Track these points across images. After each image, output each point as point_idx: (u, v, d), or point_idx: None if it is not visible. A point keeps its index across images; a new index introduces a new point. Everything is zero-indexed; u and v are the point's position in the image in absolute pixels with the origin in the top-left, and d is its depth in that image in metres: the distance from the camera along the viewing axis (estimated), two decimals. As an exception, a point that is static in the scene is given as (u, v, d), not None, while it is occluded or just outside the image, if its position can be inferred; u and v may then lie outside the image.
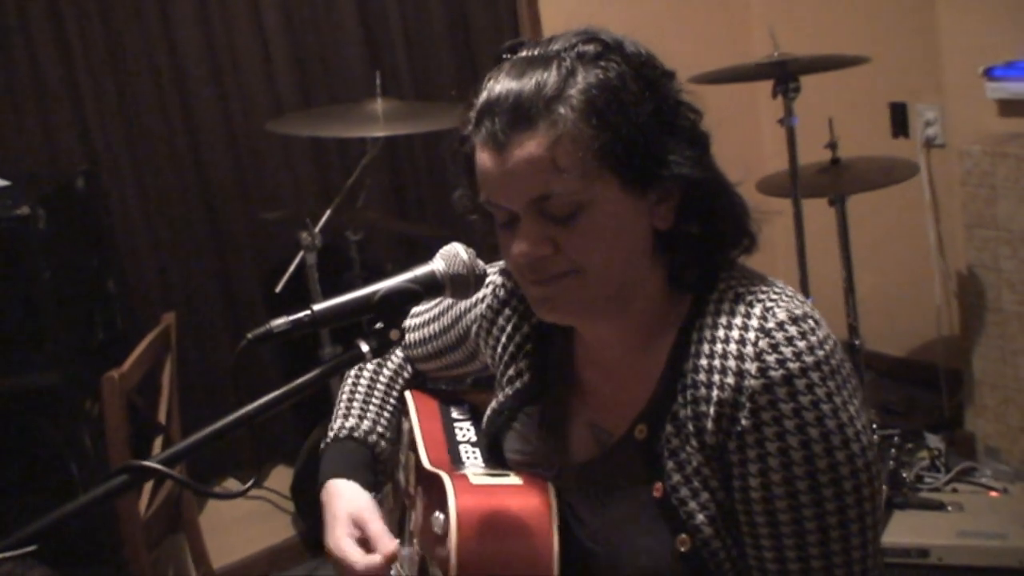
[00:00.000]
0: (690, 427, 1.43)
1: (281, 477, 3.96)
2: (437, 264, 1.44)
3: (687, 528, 1.43)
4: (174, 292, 3.72)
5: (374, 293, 1.38)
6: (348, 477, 1.74)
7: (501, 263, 1.67)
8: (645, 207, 1.43)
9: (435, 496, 1.56)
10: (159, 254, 3.70)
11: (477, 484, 1.54)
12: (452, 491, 1.50)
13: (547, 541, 1.48)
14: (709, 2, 4.52)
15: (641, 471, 1.47)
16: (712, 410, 1.40)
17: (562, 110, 1.37)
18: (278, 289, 3.11)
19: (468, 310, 1.72)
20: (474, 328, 1.71)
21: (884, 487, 1.44)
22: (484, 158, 1.42)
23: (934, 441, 3.63)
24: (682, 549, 1.43)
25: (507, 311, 1.67)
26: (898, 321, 4.44)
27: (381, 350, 1.37)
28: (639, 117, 1.39)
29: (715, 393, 1.40)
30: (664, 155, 1.41)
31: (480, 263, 1.47)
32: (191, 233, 3.74)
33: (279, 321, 1.33)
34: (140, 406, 3.03)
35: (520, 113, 1.37)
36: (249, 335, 1.31)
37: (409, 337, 1.84)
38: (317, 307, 1.36)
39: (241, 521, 3.85)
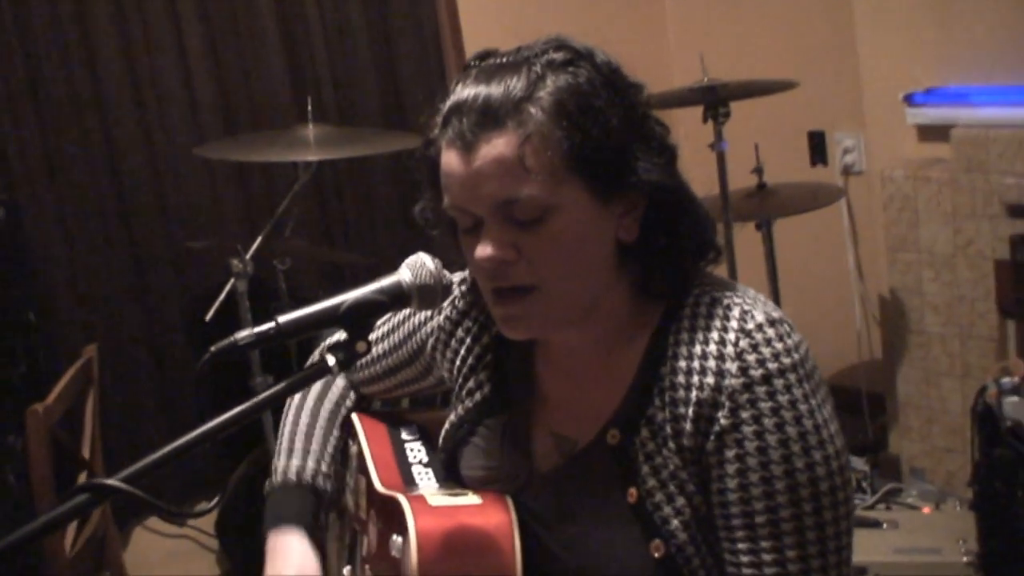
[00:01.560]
0: (668, 430, 1.42)
1: (205, 516, 3.87)
2: (403, 275, 1.41)
3: (661, 534, 1.41)
4: (96, 323, 3.63)
5: (339, 304, 1.35)
6: (293, 527, 1.70)
7: (461, 274, 1.65)
8: (610, 217, 1.42)
9: (391, 519, 1.53)
10: (80, 285, 3.62)
11: (435, 505, 1.51)
12: (410, 513, 1.46)
13: (510, 559, 1.45)
14: (626, 29, 4.55)
15: (613, 477, 1.45)
16: (691, 411, 1.39)
17: (532, 110, 1.36)
18: (208, 317, 3.04)
19: (423, 323, 1.69)
20: (430, 341, 1.68)
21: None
22: (451, 159, 1.40)
23: (859, 464, 3.66)
24: (656, 555, 1.41)
25: (466, 322, 1.64)
26: (820, 345, 4.42)
27: (348, 363, 1.34)
28: (609, 122, 1.38)
29: (694, 394, 1.39)
30: (633, 161, 1.40)
31: (447, 273, 1.45)
32: (113, 263, 3.67)
33: (243, 334, 1.29)
34: (64, 441, 2.94)
35: (489, 113, 1.36)
36: (213, 348, 1.28)
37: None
38: (282, 319, 1.32)
39: (165, 560, 3.77)
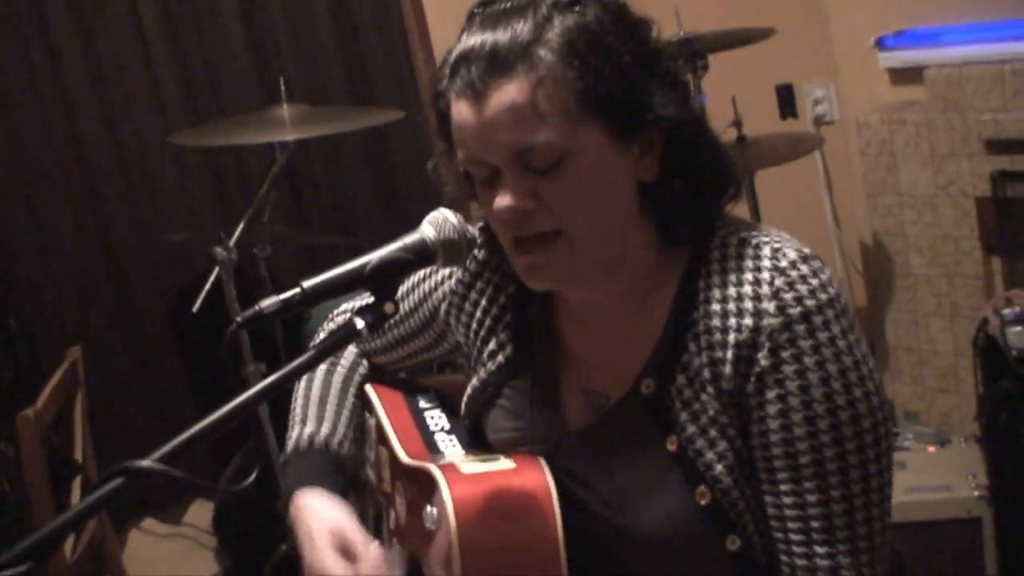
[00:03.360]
0: (705, 374, 1.39)
1: (201, 512, 3.84)
2: (426, 231, 1.37)
3: (706, 480, 1.39)
4: (77, 324, 3.57)
5: (365, 265, 1.31)
6: (317, 490, 1.64)
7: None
8: (629, 158, 1.39)
9: (421, 490, 1.48)
10: (58, 286, 3.55)
11: (468, 472, 1.46)
12: (444, 482, 1.42)
13: (550, 521, 1.41)
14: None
15: (651, 427, 1.43)
16: (730, 354, 1.37)
17: (541, 52, 1.32)
18: (195, 308, 2.99)
19: (434, 288, 1.65)
20: (443, 306, 1.64)
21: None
22: (461, 110, 1.36)
23: (852, 411, 3.65)
24: (702, 502, 1.39)
25: (479, 284, 1.60)
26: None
27: (377, 324, 1.30)
28: (621, 59, 1.35)
29: (732, 336, 1.37)
30: (648, 98, 1.37)
31: (469, 227, 1.41)
32: (89, 262, 3.60)
33: (268, 301, 1.25)
34: (57, 445, 2.88)
35: (497, 59, 1.33)
36: (239, 318, 1.24)
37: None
38: (307, 284, 1.28)
39: (164, 560, 3.73)
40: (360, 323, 1.29)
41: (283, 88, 3.12)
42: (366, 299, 1.33)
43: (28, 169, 3.50)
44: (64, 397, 2.98)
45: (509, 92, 1.32)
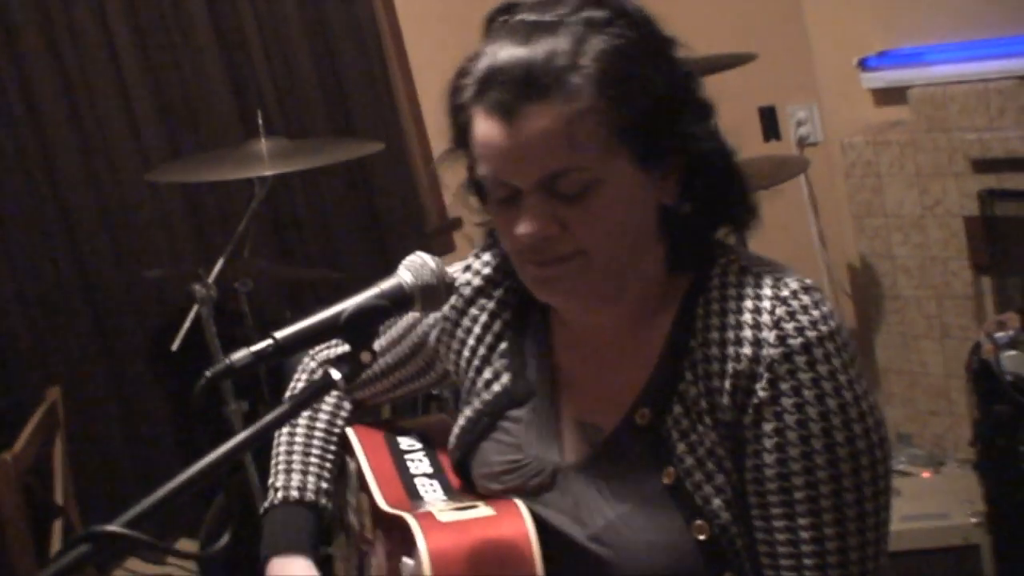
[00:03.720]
0: (703, 404, 1.35)
1: (186, 548, 3.76)
2: (403, 276, 1.33)
3: (704, 514, 1.34)
4: (55, 364, 3.50)
5: (340, 313, 1.27)
6: (296, 552, 1.61)
7: (459, 264, 1.57)
8: (653, 183, 1.36)
9: (399, 540, 1.44)
10: (34, 326, 3.49)
11: (446, 521, 1.42)
12: (420, 532, 1.38)
13: (531, 571, 1.37)
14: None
15: (646, 459, 1.39)
16: (727, 384, 1.33)
17: (577, 80, 1.29)
18: (174, 347, 2.94)
19: (422, 316, 1.60)
20: (433, 333, 1.59)
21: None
22: (490, 129, 1.32)
23: (845, 435, 3.61)
24: (700, 537, 1.34)
25: (473, 310, 1.56)
26: (792, 321, 4.43)
27: (353, 375, 1.26)
28: (655, 88, 1.33)
29: (730, 365, 1.33)
30: (682, 129, 1.35)
31: (447, 271, 1.37)
32: (67, 300, 3.54)
33: (239, 355, 1.21)
34: (36, 488, 2.83)
35: (532, 82, 1.29)
36: (208, 372, 1.19)
37: None
38: (280, 334, 1.24)
39: (149, 600, 3.64)
40: (337, 374, 1.25)
41: (260, 122, 3.08)
42: (342, 347, 1.28)
43: (3, 207, 3.44)
44: (43, 439, 2.94)
45: (543, 119, 1.29)
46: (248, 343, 1.26)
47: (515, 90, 1.29)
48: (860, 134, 3.65)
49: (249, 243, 3.43)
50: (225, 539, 1.18)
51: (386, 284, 1.31)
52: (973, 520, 2.75)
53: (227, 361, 1.20)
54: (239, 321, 3.42)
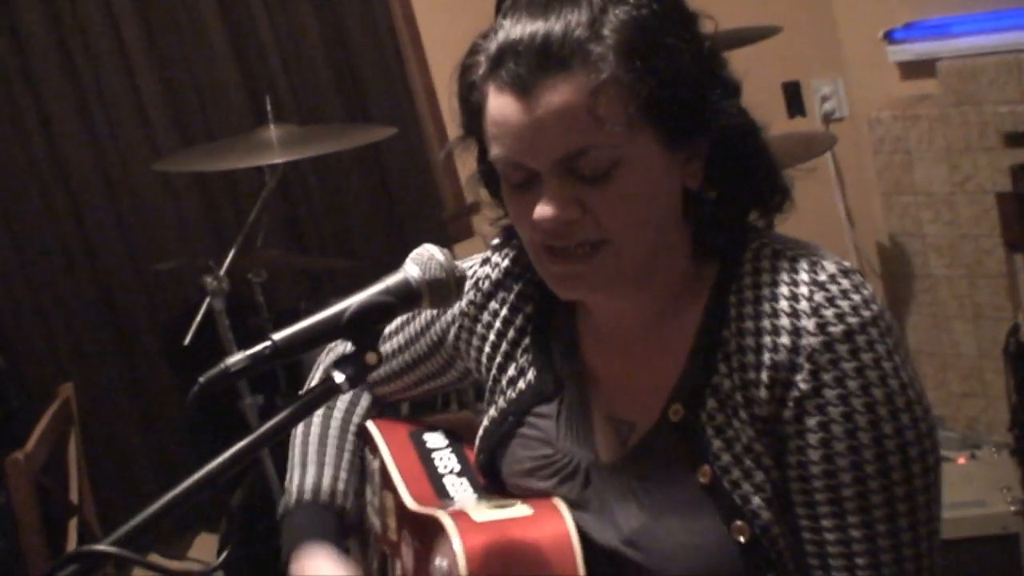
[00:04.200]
0: (738, 398, 1.27)
1: (206, 546, 3.72)
2: (410, 271, 1.25)
3: (743, 514, 1.26)
4: (68, 360, 3.45)
5: (342, 312, 1.19)
6: (321, 545, 1.52)
7: (476, 257, 1.49)
8: (678, 164, 1.28)
9: (430, 540, 1.36)
10: (47, 322, 3.44)
11: (482, 520, 1.34)
12: (455, 532, 1.30)
13: (573, 572, 1.29)
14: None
15: (681, 457, 1.30)
16: (764, 376, 1.24)
17: (599, 50, 1.20)
18: (187, 341, 2.87)
19: (441, 311, 1.53)
20: (452, 330, 1.52)
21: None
22: (504, 105, 1.23)
23: (875, 419, 3.54)
24: (740, 539, 1.26)
25: (493, 304, 1.47)
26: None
27: (358, 378, 1.18)
28: (682, 61, 1.24)
29: (767, 357, 1.24)
30: (709, 104, 1.26)
31: (458, 264, 1.29)
32: (78, 294, 3.49)
33: (235, 358, 1.13)
34: (50, 487, 2.78)
35: (551, 53, 1.20)
36: (201, 378, 1.11)
37: None
38: (278, 336, 1.16)
39: (170, 599, 3.59)
40: (340, 377, 1.17)
41: (269, 109, 3.01)
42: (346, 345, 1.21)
43: (11, 200, 3.40)
44: (57, 437, 2.88)
45: (563, 92, 1.21)
46: (263, 334, 1.19)
47: (532, 63, 1.21)
48: (887, 109, 3.56)
49: (263, 233, 3.37)
50: (223, 558, 1.11)
51: (392, 280, 1.24)
52: (1012, 508, 2.66)
53: (222, 365, 1.12)
54: (254, 312, 3.37)
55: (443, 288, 1.26)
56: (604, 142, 1.21)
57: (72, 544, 2.90)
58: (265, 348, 1.15)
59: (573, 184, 1.24)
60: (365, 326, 1.20)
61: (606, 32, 1.21)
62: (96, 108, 3.49)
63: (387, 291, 1.22)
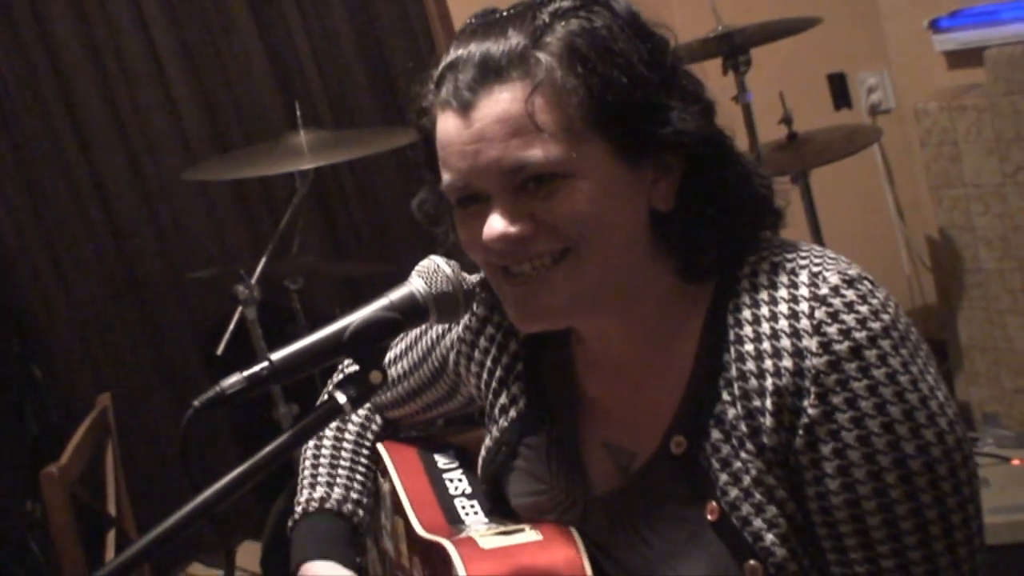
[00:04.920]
0: (743, 428, 1.20)
1: (248, 553, 3.70)
2: (416, 284, 1.20)
3: (755, 553, 1.19)
4: (105, 371, 3.45)
5: (344, 329, 1.14)
6: (327, 558, 1.49)
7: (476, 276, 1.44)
8: (641, 183, 1.21)
9: (438, 568, 1.32)
10: (83, 331, 3.44)
11: (489, 548, 1.30)
12: (460, 562, 1.26)
13: None
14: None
15: (686, 492, 1.24)
16: (769, 403, 1.17)
17: (540, 55, 1.16)
18: (219, 351, 2.85)
19: (442, 336, 1.48)
20: (452, 356, 1.47)
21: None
22: (446, 123, 1.20)
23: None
24: None
25: (488, 329, 1.42)
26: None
27: (362, 399, 1.13)
28: (632, 67, 1.17)
29: (770, 382, 1.17)
30: (663, 113, 1.19)
31: (466, 276, 1.23)
32: (115, 305, 3.49)
33: (231, 380, 1.10)
34: (86, 500, 2.76)
35: (489, 65, 1.16)
36: (196, 402, 1.07)
37: None
38: (276, 356, 1.12)
39: (212, 607, 3.59)
40: (343, 398, 1.13)
41: (299, 114, 2.98)
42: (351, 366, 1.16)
43: (47, 212, 3.40)
44: (94, 448, 2.86)
45: (500, 101, 1.16)
46: (294, 343, 1.15)
47: (472, 77, 1.17)
48: (934, 100, 3.47)
49: (298, 239, 3.34)
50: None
51: (396, 294, 1.19)
52: (1071, 512, 2.57)
53: (217, 388, 1.09)
54: (291, 320, 3.34)
55: (450, 302, 1.21)
56: (548, 152, 1.15)
57: (111, 556, 2.89)
58: (262, 369, 1.11)
59: (525, 200, 1.18)
60: (368, 344, 1.15)
61: (549, 40, 1.17)
62: (131, 120, 3.49)
63: (391, 306, 1.18)
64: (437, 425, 1.68)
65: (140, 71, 3.50)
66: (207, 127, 3.59)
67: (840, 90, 4.11)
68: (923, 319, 3.97)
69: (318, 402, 1.58)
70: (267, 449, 1.09)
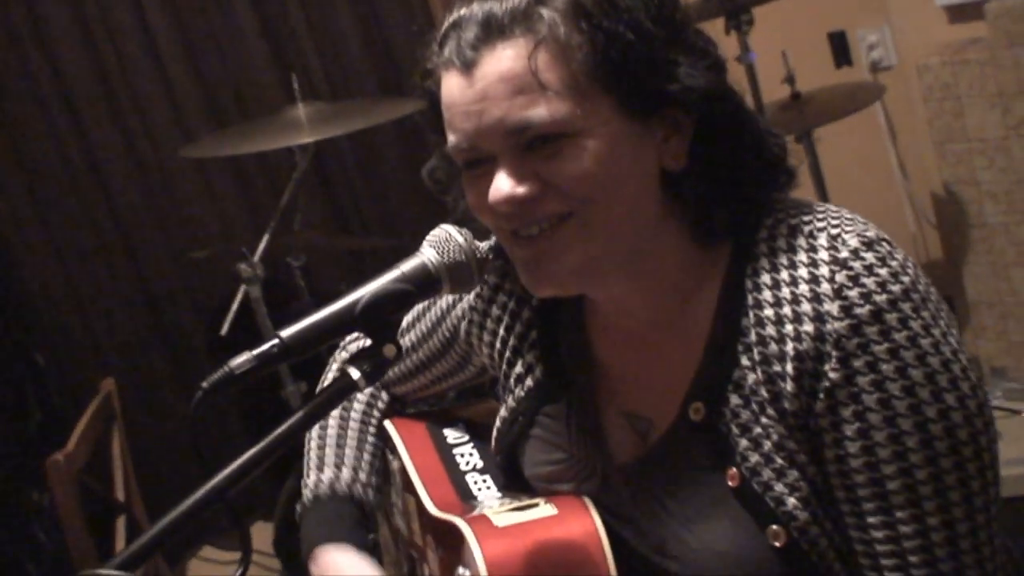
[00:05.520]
0: (763, 393, 1.18)
1: (261, 534, 3.68)
2: (427, 254, 1.18)
3: (778, 518, 1.18)
4: (109, 355, 3.43)
5: (355, 302, 1.12)
6: (340, 541, 1.47)
7: (487, 244, 1.41)
8: (651, 142, 1.19)
9: (452, 547, 1.30)
10: (85, 317, 3.41)
11: (503, 525, 1.28)
12: (475, 540, 1.24)
13: (603, 572, 1.23)
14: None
15: (706, 458, 1.22)
16: (790, 367, 1.16)
17: (543, 11, 1.13)
18: (223, 331, 2.82)
19: (452, 305, 1.45)
20: (463, 325, 1.44)
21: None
22: (450, 84, 1.17)
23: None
24: (776, 544, 1.18)
25: (500, 297, 1.40)
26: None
27: (376, 374, 1.10)
28: (639, 22, 1.15)
29: (791, 346, 1.16)
30: (671, 68, 1.16)
31: (479, 244, 1.21)
32: (116, 288, 3.46)
33: (240, 359, 1.07)
34: (93, 487, 2.74)
35: (492, 23, 1.14)
36: (204, 383, 1.05)
37: None
38: (286, 333, 1.09)
39: (226, 587, 3.58)
40: (356, 374, 1.10)
41: (296, 86, 2.94)
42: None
43: (44, 193, 3.40)
44: (99, 434, 2.84)
45: (504, 59, 1.14)
46: (304, 319, 1.13)
47: (475, 35, 1.15)
48: (936, 55, 3.44)
49: (300, 215, 3.31)
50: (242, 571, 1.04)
51: (407, 265, 1.16)
52: (1085, 463, 2.56)
53: (226, 368, 1.06)
54: (295, 297, 3.31)
55: (463, 271, 1.18)
56: (553, 110, 1.13)
57: (121, 543, 2.87)
58: (272, 347, 1.08)
59: (531, 160, 1.16)
60: (380, 317, 1.12)
61: None
62: (123, 93, 3.45)
63: (403, 277, 1.15)
64: (449, 398, 1.66)
65: (134, 48, 3.47)
66: (203, 103, 3.56)
67: (841, 48, 4.07)
68: (929, 275, 3.83)
69: (323, 379, 1.57)
70: (279, 429, 1.07)
